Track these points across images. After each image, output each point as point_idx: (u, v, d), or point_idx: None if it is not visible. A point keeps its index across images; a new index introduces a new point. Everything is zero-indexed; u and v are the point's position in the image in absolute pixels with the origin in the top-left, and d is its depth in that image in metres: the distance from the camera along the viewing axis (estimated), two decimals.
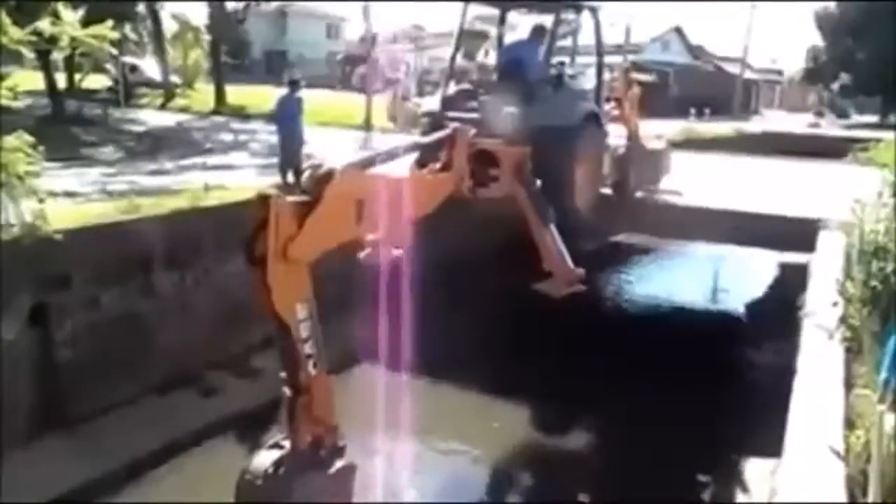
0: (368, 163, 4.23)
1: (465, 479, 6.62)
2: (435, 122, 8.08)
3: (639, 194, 10.33)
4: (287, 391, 3.68)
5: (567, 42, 9.83)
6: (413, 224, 4.48)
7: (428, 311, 5.83)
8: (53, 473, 5.58)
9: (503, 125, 7.03)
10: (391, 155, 4.62)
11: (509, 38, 9.83)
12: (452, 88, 8.99)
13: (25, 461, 5.52)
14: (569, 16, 9.13)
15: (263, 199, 3.34)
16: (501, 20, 9.76)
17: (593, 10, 8.91)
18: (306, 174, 3.67)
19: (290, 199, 3.46)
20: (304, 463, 3.67)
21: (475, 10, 9.97)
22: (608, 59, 10.08)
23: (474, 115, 7.74)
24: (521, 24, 10.48)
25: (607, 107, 9.86)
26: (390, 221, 4.30)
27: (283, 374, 3.70)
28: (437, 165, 4.92)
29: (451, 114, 8.03)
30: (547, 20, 8.82)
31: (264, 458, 3.67)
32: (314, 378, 3.67)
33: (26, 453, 5.62)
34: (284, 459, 3.65)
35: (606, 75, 9.80)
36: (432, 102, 9.27)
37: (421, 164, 5.27)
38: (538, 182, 5.72)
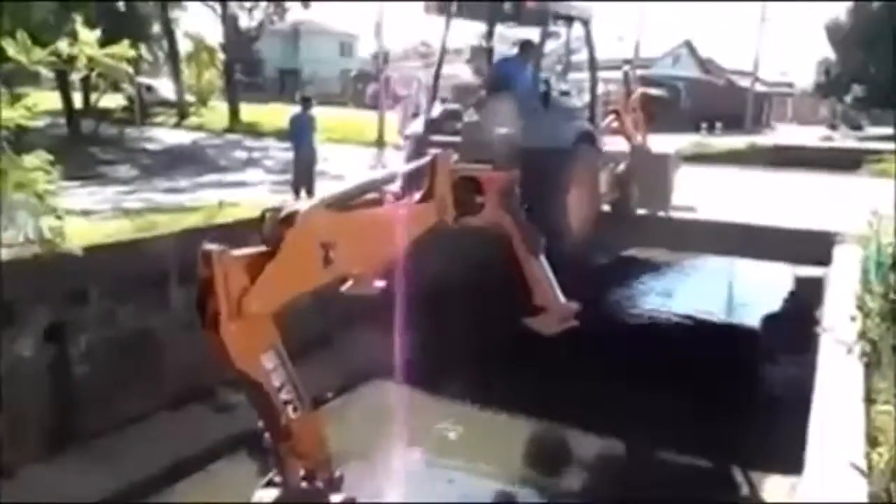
0: (341, 199, 3.83)
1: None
2: (419, 145, 7.62)
3: (641, 211, 9.78)
4: (268, 437, 3.49)
5: (574, 57, 9.58)
6: (396, 257, 4.25)
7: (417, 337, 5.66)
8: (70, 488, 5.60)
9: (489, 148, 6.61)
10: (370, 186, 4.30)
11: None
12: (437, 109, 8.38)
13: (43, 476, 5.55)
14: (560, 30, 8.79)
15: (206, 256, 3.02)
16: (489, 35, 9.35)
17: (585, 23, 8.49)
18: (266, 218, 3.32)
19: (238, 252, 3.15)
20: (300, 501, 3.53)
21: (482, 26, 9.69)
22: (615, 74, 9.81)
23: (459, 139, 7.33)
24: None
25: (605, 121, 9.36)
26: (367, 259, 4.11)
27: (260, 423, 3.48)
28: (417, 195, 4.58)
29: (436, 137, 7.56)
30: (536, 35, 8.33)
31: (261, 498, 3.50)
32: (296, 421, 3.45)
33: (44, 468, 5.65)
34: (280, 501, 3.48)
35: (601, 89, 9.28)
36: (416, 125, 8.66)
37: (405, 191, 4.88)
38: (527, 208, 5.28)
